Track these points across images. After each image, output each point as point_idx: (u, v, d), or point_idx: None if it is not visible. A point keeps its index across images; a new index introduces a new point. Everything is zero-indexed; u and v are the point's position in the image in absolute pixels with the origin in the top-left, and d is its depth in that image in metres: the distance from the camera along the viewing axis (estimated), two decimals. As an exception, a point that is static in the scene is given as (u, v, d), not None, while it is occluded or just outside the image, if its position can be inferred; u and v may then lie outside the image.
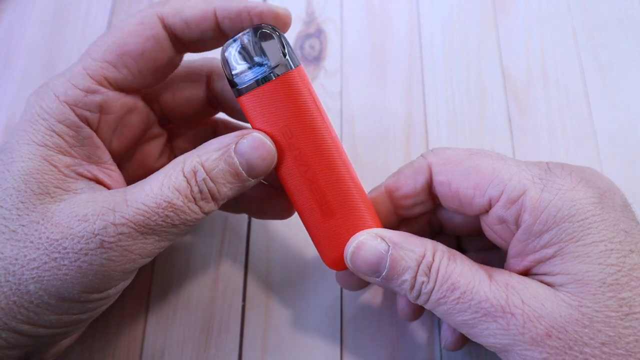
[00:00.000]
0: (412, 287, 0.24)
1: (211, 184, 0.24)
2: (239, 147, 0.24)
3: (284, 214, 0.30)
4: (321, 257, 0.27)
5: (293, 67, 0.25)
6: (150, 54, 0.25)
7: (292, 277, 0.32)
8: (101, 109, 0.25)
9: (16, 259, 0.22)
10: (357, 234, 0.25)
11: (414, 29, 0.39)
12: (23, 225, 0.23)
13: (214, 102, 0.30)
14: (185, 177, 0.23)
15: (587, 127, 0.35)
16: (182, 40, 0.26)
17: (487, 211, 0.25)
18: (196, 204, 0.24)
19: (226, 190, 0.24)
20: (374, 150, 0.35)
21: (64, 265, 0.22)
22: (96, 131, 0.25)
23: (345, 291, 0.31)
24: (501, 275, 0.23)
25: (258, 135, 0.24)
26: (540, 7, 0.39)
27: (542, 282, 0.23)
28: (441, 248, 0.24)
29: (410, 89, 0.37)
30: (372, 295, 0.31)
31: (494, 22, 0.39)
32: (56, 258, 0.22)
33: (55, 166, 0.24)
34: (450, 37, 0.38)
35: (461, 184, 0.25)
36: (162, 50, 0.26)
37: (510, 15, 0.39)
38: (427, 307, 0.24)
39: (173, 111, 0.29)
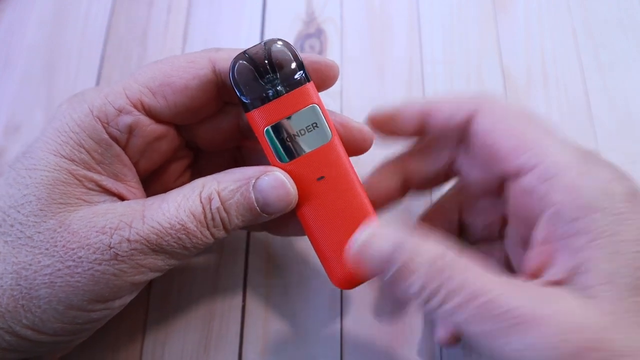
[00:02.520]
0: (423, 288, 0.21)
1: (224, 214, 0.24)
2: (258, 183, 0.24)
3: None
4: (330, 277, 0.26)
5: (307, 81, 0.24)
6: (191, 92, 0.25)
7: (293, 277, 0.32)
8: (130, 130, 0.25)
9: (30, 265, 0.23)
10: (366, 225, 0.23)
11: (414, 29, 0.39)
12: (39, 232, 0.23)
13: (246, 132, 0.29)
14: (201, 202, 0.24)
15: (587, 127, 0.35)
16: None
17: (513, 176, 0.24)
18: (208, 229, 0.24)
19: (237, 222, 0.24)
20: (374, 150, 0.35)
21: (77, 273, 0.23)
22: (124, 150, 0.25)
23: (345, 291, 0.31)
24: (525, 283, 0.22)
25: (280, 175, 0.24)
26: (540, 7, 0.39)
27: (566, 280, 0.21)
28: (456, 251, 0.22)
29: (410, 89, 0.37)
30: (373, 296, 0.31)
31: (494, 22, 0.39)
32: (70, 266, 0.23)
33: (80, 180, 0.24)
34: (450, 37, 0.38)
35: (499, 140, 0.24)
36: (204, 91, 0.26)
37: (510, 15, 0.39)
38: (438, 314, 0.21)
39: (201, 139, 0.28)
